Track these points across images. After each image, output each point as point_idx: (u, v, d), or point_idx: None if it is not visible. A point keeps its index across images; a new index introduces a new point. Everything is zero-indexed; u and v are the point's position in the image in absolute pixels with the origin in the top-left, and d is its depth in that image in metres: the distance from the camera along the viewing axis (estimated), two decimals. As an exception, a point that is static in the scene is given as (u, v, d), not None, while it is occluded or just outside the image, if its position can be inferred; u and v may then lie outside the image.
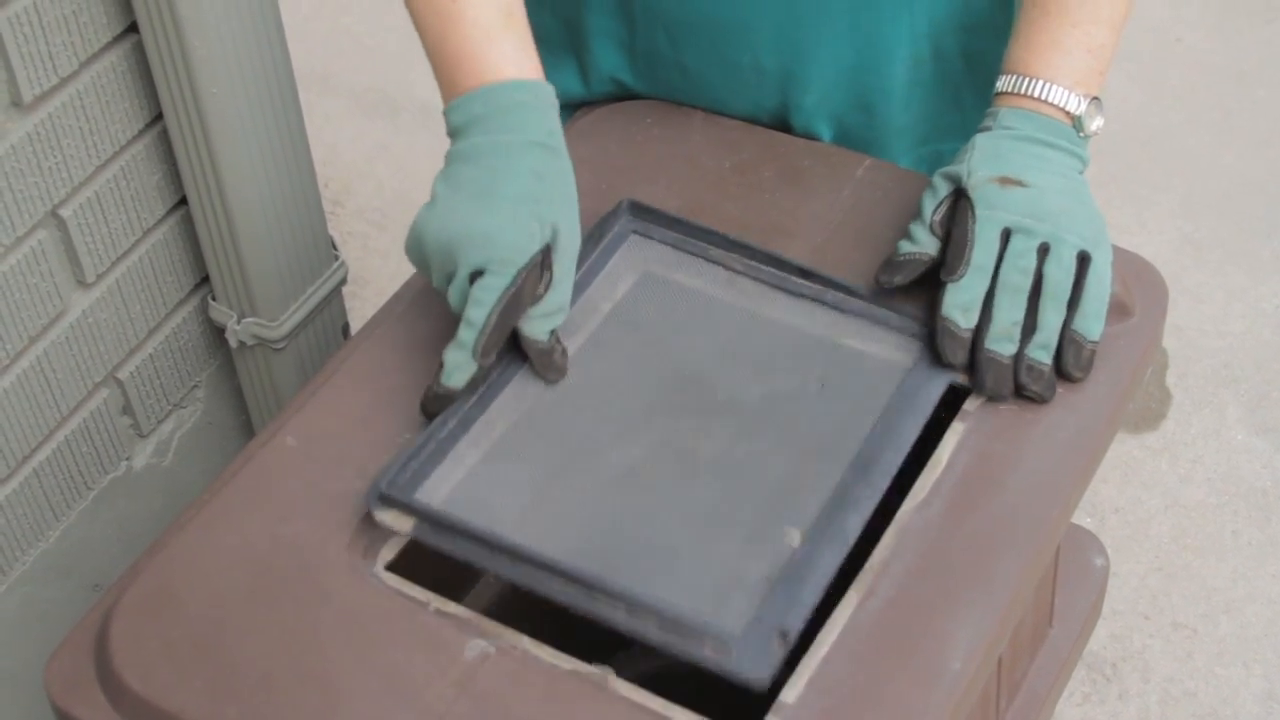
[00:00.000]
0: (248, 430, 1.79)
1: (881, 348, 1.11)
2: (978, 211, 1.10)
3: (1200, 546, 2.04)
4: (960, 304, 1.08)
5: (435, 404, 1.06)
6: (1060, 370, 1.09)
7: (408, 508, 1.00)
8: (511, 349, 1.09)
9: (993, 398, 1.08)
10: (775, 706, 0.93)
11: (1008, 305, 1.08)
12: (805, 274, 1.14)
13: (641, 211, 1.19)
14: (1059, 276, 1.09)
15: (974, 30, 1.27)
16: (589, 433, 1.06)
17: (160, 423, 1.66)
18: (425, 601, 0.99)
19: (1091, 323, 1.09)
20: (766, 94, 1.27)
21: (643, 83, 1.31)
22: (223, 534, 1.02)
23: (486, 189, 1.07)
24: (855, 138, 1.30)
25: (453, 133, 1.11)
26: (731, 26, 1.24)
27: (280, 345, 1.66)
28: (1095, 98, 1.15)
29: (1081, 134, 1.14)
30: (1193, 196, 2.49)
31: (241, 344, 1.66)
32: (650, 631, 0.94)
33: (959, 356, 1.08)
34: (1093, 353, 1.09)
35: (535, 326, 1.07)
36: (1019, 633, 1.22)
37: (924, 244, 1.12)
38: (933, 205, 1.13)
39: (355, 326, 1.83)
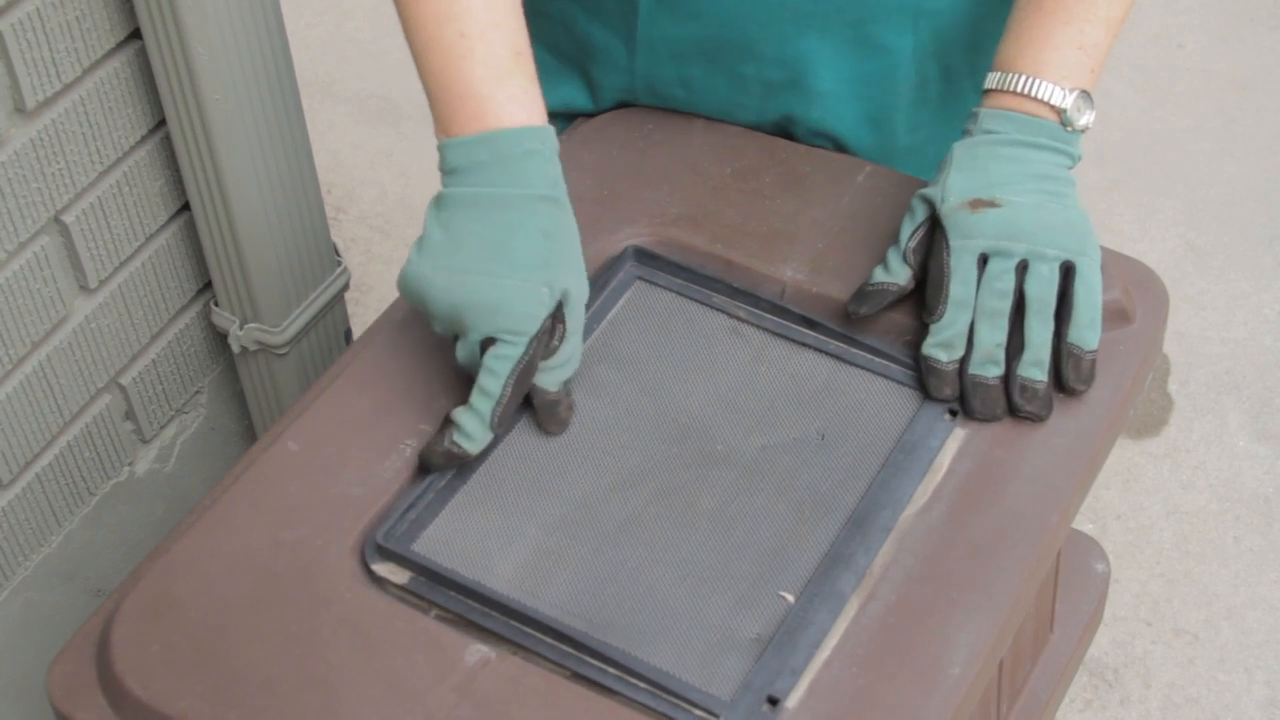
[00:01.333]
0: (250, 435, 1.80)
1: (883, 400, 1.10)
2: (952, 243, 1.09)
3: (1202, 552, 2.04)
4: (942, 341, 1.08)
5: (443, 460, 1.04)
6: (1061, 385, 1.08)
7: (404, 560, 1.00)
8: None
9: (985, 419, 1.08)
10: (777, 711, 0.94)
11: (988, 330, 1.08)
12: (809, 323, 1.14)
13: (646, 258, 1.18)
14: (1040, 291, 1.08)
15: (982, 50, 1.25)
16: (587, 483, 1.06)
17: (162, 428, 1.66)
18: (426, 607, 0.99)
19: (1086, 332, 1.08)
20: (771, 105, 1.27)
21: (646, 100, 1.31)
22: (224, 539, 1.03)
23: (495, 251, 1.04)
24: (862, 156, 1.29)
25: (449, 171, 1.07)
26: (736, 43, 1.23)
27: (283, 351, 1.66)
28: (1085, 92, 1.13)
29: (1069, 129, 1.12)
30: (1195, 203, 2.49)
31: (244, 349, 1.67)
32: (640, 695, 0.94)
33: (945, 392, 1.08)
34: (1093, 363, 1.08)
35: (547, 378, 1.06)
36: (1020, 638, 1.22)
37: (896, 273, 1.12)
38: (909, 231, 1.12)
39: (358, 332, 1.83)
